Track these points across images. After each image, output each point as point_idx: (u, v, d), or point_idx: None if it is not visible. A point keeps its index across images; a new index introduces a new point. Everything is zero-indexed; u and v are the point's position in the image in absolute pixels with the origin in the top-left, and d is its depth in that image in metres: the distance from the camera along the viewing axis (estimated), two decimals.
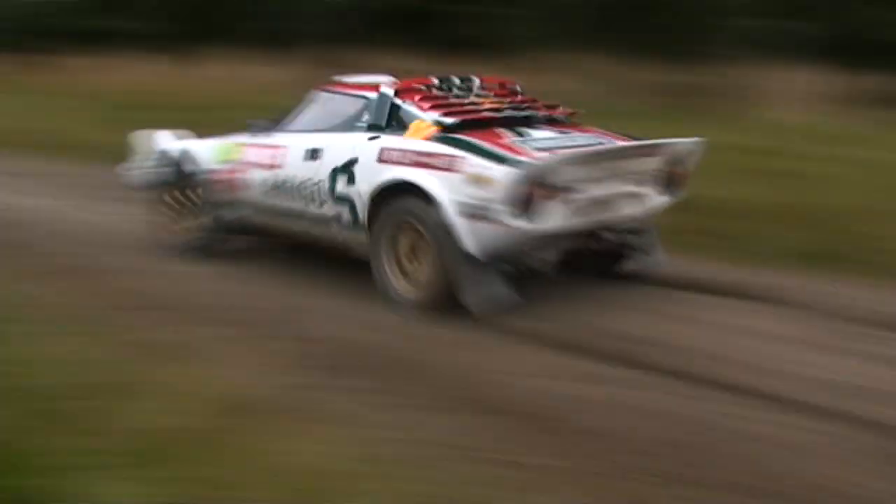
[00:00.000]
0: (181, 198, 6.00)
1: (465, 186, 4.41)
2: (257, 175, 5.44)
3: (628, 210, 4.83)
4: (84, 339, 3.98)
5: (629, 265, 5.24)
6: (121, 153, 6.76)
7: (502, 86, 5.45)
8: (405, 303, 4.71)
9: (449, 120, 4.78)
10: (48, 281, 5.16)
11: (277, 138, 5.44)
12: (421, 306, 4.63)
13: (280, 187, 5.29)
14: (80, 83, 16.42)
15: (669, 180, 4.92)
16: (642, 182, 4.82)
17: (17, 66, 19.09)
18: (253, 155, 5.52)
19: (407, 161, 4.67)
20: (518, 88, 5.47)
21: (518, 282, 4.63)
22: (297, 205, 5.21)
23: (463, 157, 4.45)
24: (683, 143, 4.90)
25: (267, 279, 5.39)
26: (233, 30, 17.07)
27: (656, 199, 4.94)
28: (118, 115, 11.68)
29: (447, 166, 4.50)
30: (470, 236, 4.45)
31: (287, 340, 4.23)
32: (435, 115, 4.81)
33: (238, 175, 5.57)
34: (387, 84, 5.12)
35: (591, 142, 4.85)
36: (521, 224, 4.34)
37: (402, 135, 4.83)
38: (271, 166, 5.36)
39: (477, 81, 5.37)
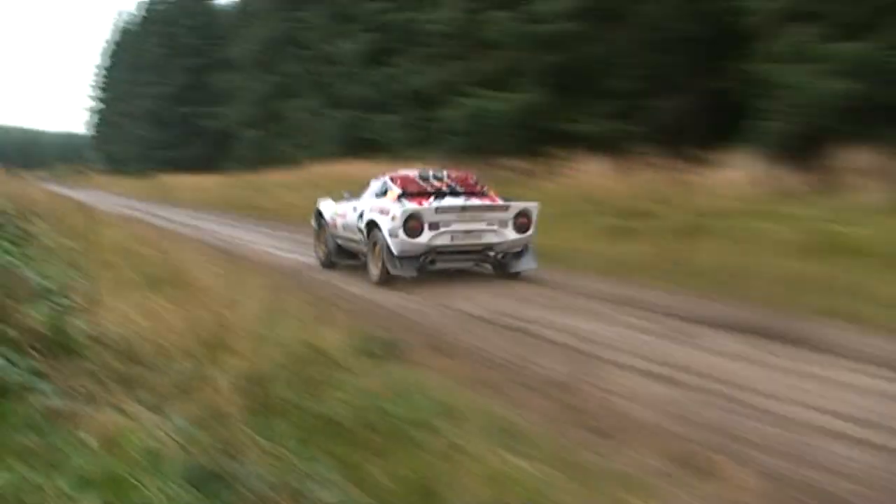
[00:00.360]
0: (320, 235, 12.96)
1: (390, 220, 10.36)
2: (339, 221, 12.06)
3: (489, 239, 10.66)
4: None
5: (511, 268, 11.05)
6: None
7: (461, 178, 11.67)
8: (375, 278, 10.77)
9: (400, 191, 10.98)
10: None
11: (350, 203, 11.90)
12: (378, 280, 10.69)
13: (346, 227, 11.75)
14: (567, 186, 17.31)
15: (518, 225, 10.72)
16: (502, 224, 10.66)
17: (517, 170, 19.72)
18: (341, 211, 12.08)
19: (377, 209, 10.83)
20: (471, 179, 11.71)
21: (420, 269, 10.57)
22: (351, 235, 11.60)
23: (391, 206, 10.54)
24: (522, 204, 10.83)
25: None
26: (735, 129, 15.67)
27: (511, 235, 10.71)
28: (619, 223, 13.75)
29: (386, 211, 10.56)
30: (393, 244, 10.36)
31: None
32: (398, 190, 10.97)
33: (336, 221, 12.16)
34: (390, 174, 11.62)
35: (470, 203, 10.80)
36: (408, 239, 10.31)
37: (384, 198, 11.03)
38: (344, 216, 11.88)
39: (445, 173, 11.72)
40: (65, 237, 10.04)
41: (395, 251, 10.46)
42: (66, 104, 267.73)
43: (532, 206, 10.88)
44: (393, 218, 10.45)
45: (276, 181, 30.53)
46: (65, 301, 5.09)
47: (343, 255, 12.37)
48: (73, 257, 8.39)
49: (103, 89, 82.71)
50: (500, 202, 11.02)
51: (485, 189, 11.56)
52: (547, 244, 11.64)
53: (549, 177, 18.64)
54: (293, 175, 30.50)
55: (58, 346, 4.39)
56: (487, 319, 8.35)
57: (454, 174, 11.89)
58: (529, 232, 10.88)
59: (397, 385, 4.82)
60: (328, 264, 12.53)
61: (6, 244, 7.19)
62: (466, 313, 8.73)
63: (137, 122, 63.17)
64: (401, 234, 10.38)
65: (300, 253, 14.23)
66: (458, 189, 11.38)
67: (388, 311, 8.97)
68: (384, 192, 11.28)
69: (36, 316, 4.54)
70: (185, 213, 26.58)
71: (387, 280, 10.57)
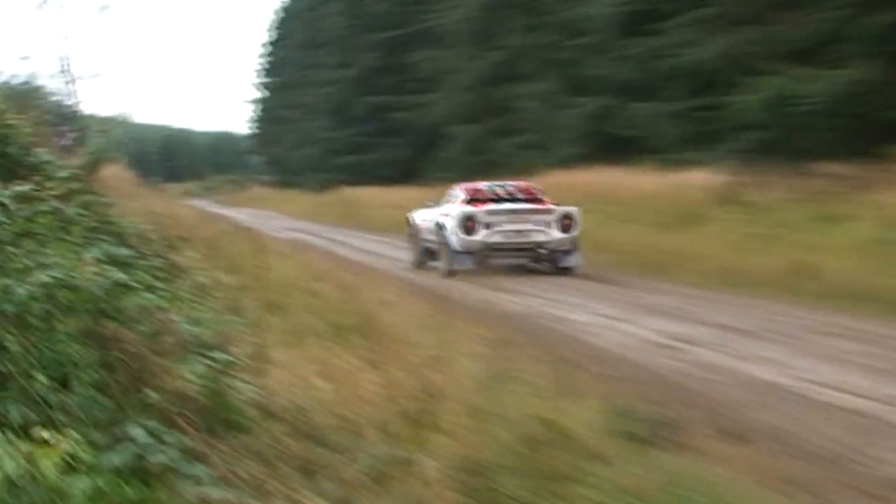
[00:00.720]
0: (412, 239, 21.55)
1: (451, 221, 18.75)
2: (423, 226, 20.52)
3: (537, 238, 18.69)
4: None
5: (560, 263, 18.82)
6: None
7: (522, 188, 20.09)
8: (443, 273, 18.43)
9: (466, 197, 19.51)
10: None
11: (432, 210, 20.47)
12: (444, 273, 18.30)
13: (428, 230, 20.01)
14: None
15: (562, 226, 18.62)
16: (547, 224, 18.68)
17: (838, 178, 20.22)
18: (425, 217, 20.63)
19: (445, 213, 19.35)
20: (532, 189, 20.09)
21: (479, 262, 18.36)
22: (430, 237, 19.75)
23: (454, 210, 19.08)
24: (566, 208, 18.96)
25: None
26: None
27: (556, 234, 18.64)
28: None
29: (450, 214, 19.02)
30: (453, 241, 18.53)
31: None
32: (464, 196, 19.56)
33: (421, 226, 20.70)
34: (463, 183, 20.88)
35: (518, 206, 19.13)
36: (465, 237, 18.47)
37: (452, 204, 19.81)
38: (426, 221, 20.36)
39: (510, 184, 20.31)
40: (222, 271, 10.43)
41: (455, 247, 18.56)
42: (221, 97, 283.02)
43: (574, 210, 18.97)
44: (453, 219, 18.68)
45: None
46: (224, 356, 5.27)
47: (427, 257, 20.38)
48: (233, 298, 8.73)
49: (268, 74, 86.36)
50: (544, 206, 19.13)
51: (541, 197, 19.72)
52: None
53: (889, 188, 17.84)
54: None
55: (215, 417, 4.54)
56: (797, 392, 8.18)
57: (518, 185, 20.42)
58: (573, 232, 18.80)
59: (670, 482, 4.78)
60: (418, 265, 20.56)
61: (148, 279, 7.56)
62: (762, 380, 8.67)
63: (312, 117, 65.42)
64: (459, 232, 18.49)
65: (541, 296, 14.95)
66: (518, 196, 19.69)
67: (653, 374, 9.00)
68: (455, 199, 19.80)
69: (187, 377, 4.71)
70: (376, 240, 27.53)
71: (451, 275, 17.91)
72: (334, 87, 60.14)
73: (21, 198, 5.98)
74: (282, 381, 5.39)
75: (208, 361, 5.09)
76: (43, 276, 4.57)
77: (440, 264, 18.69)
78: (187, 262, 10.38)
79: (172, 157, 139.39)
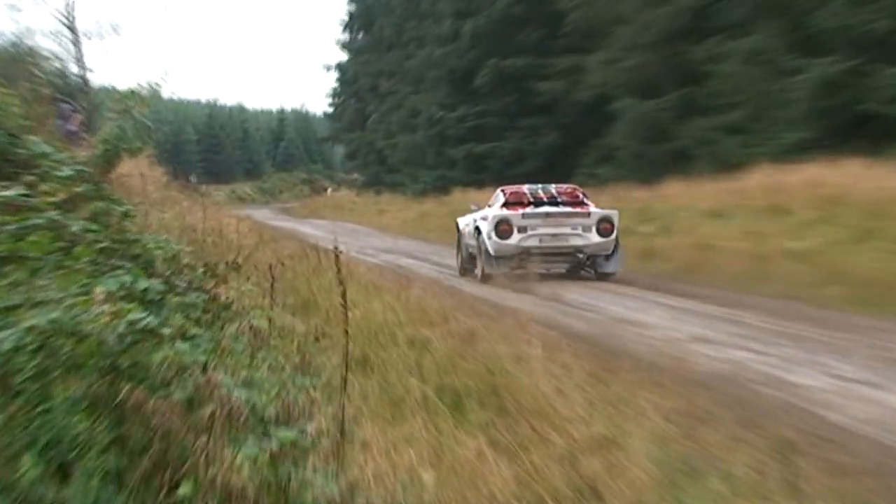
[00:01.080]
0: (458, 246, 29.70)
1: (487, 225, 25.31)
2: (466, 230, 27.78)
3: (575, 242, 24.98)
4: None
5: (601, 268, 25.46)
6: None
7: (565, 191, 26.94)
8: (478, 276, 25.54)
9: (504, 199, 26.52)
10: None
11: (474, 214, 27.94)
12: (481, 277, 25.30)
13: (469, 234, 27.04)
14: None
15: (601, 230, 24.83)
16: (585, 228, 24.87)
17: None
18: (467, 221, 27.90)
19: (482, 217, 26.34)
20: (577, 193, 26.85)
21: (514, 268, 24.03)
22: (471, 241, 26.82)
23: (491, 213, 25.98)
24: (604, 211, 25.53)
25: None
26: None
27: (595, 238, 24.82)
28: None
29: (487, 218, 25.80)
30: (489, 245, 25.02)
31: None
32: (503, 200, 26.52)
33: (465, 231, 27.98)
34: (503, 187, 27.95)
35: (554, 209, 25.47)
36: (500, 240, 24.82)
37: (491, 207, 27.50)
38: (468, 225, 27.53)
39: (553, 187, 27.20)
40: (288, 311, 10.41)
41: (490, 251, 24.22)
42: (289, 63, 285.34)
43: (612, 213, 24.63)
44: (489, 223, 24.20)
45: (691, 199, 31.61)
46: (289, 435, 5.30)
47: (471, 263, 26.15)
48: (303, 350, 8.73)
49: (354, 28, 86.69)
50: (580, 209, 24.63)
51: (585, 200, 25.43)
52: None
53: None
54: (722, 189, 31.12)
55: None
56: None
57: (562, 188, 26.62)
58: (612, 236, 24.28)
59: None
60: (462, 271, 26.76)
61: (184, 323, 7.59)
62: None
63: (416, 90, 65.39)
64: (493, 236, 24.13)
65: (748, 348, 14.49)
66: (560, 200, 25.57)
67: None
68: (495, 203, 26.03)
69: (237, 464, 4.73)
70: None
71: (486, 279, 23.67)
72: (450, 47, 59.91)
73: (5, 207, 6.05)
74: (373, 473, 5.42)
75: (269, 442, 5.10)
76: (35, 319, 4.60)
77: (476, 269, 25.14)
78: (239, 299, 10.47)
79: (218, 148, 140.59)
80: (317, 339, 9.65)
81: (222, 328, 8.78)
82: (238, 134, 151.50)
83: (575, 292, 21.54)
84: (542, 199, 25.16)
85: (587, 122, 48.76)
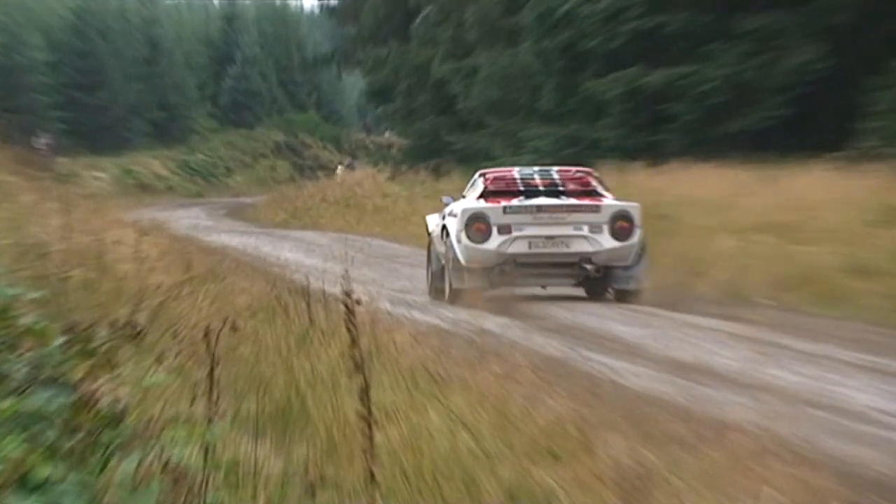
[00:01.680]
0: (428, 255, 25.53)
1: (456, 223, 20.38)
2: (434, 233, 22.35)
3: (580, 248, 19.39)
4: None
5: (618, 284, 19.92)
6: None
7: (572, 176, 21.43)
8: (445, 297, 21.01)
9: (483, 188, 20.98)
10: None
11: (447, 209, 23.07)
12: (448, 299, 20.27)
13: (437, 238, 21.82)
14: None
15: (616, 230, 19.62)
16: (594, 228, 19.42)
17: None
18: (436, 220, 23.09)
19: (452, 212, 21.11)
20: (589, 178, 21.38)
21: (493, 284, 19.90)
22: (440, 247, 21.42)
23: (459, 208, 20.86)
24: (621, 204, 20.34)
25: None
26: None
27: (608, 242, 19.32)
28: None
29: (457, 213, 20.72)
30: (458, 251, 19.62)
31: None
32: (481, 188, 20.95)
33: (433, 234, 22.76)
34: (484, 170, 22.53)
35: (548, 202, 19.93)
36: (473, 244, 19.35)
37: (465, 199, 22.30)
38: (437, 226, 23.26)
39: (555, 170, 21.87)
40: (245, 429, 7.07)
41: (461, 260, 18.97)
42: None
43: (632, 206, 19.65)
44: (458, 221, 19.35)
45: None
46: None
47: (442, 279, 20.19)
48: None
49: None
50: (588, 202, 19.70)
51: (598, 189, 20.31)
52: None
53: None
54: None
55: None
56: None
57: (568, 172, 21.15)
58: (632, 239, 19.19)
59: None
60: (434, 291, 20.52)
61: (33, 461, 5.26)
62: None
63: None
64: (464, 238, 18.96)
65: None
66: (562, 188, 20.24)
67: None
68: (471, 192, 20.89)
69: None
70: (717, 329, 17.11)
71: (455, 298, 18.56)
72: None
73: None
74: None
75: None
76: None
77: (445, 286, 19.32)
78: (141, 403, 6.93)
79: (98, 79, 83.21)
80: (311, 495, 6.48)
81: (104, 467, 5.83)
82: (140, 49, 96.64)
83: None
84: (536, 186, 19.70)
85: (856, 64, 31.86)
